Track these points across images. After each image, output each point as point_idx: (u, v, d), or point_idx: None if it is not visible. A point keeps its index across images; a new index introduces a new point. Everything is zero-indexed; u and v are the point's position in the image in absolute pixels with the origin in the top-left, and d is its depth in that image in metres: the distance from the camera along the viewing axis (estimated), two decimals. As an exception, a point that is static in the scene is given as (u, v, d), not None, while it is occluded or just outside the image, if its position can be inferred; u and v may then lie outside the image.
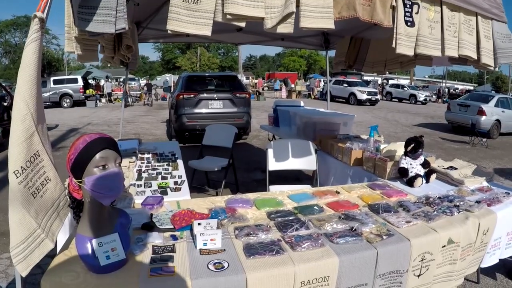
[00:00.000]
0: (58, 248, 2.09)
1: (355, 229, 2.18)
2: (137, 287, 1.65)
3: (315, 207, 2.59)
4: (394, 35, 2.62)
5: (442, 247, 2.27)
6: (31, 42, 1.71)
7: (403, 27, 2.62)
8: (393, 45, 2.65)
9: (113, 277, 1.72)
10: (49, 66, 53.41)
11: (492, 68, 3.16)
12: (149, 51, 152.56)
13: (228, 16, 2.14)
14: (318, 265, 1.87)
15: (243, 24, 2.20)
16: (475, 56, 2.99)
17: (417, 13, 2.66)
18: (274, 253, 1.88)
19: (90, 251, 1.73)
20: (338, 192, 2.98)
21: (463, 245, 2.38)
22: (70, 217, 2.52)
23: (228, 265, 1.79)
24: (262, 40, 6.65)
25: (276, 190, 3.30)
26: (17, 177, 1.74)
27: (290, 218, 2.36)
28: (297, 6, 2.24)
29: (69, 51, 2.59)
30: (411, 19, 2.64)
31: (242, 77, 32.30)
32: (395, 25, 2.59)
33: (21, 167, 1.75)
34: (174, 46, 69.19)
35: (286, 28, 2.26)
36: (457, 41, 2.89)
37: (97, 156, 1.70)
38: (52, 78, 26.26)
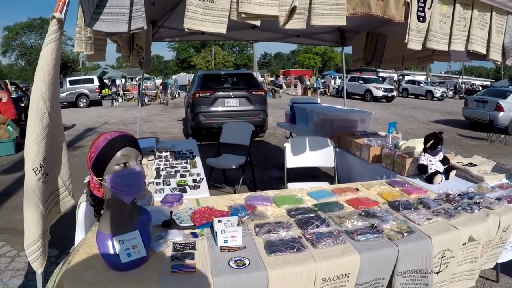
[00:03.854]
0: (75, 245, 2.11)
1: (375, 226, 2.16)
2: (158, 284, 1.66)
3: (335, 204, 2.58)
4: (407, 31, 2.61)
5: (463, 244, 2.24)
6: (50, 43, 1.73)
7: (415, 22, 2.60)
8: (405, 41, 2.63)
9: (134, 274, 1.73)
10: (65, 67, 54.11)
11: (499, 63, 3.12)
12: (164, 50, 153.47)
13: (243, 15, 2.15)
14: (339, 262, 1.86)
15: (258, 23, 2.21)
16: (484, 51, 2.94)
17: (429, 8, 2.62)
18: (295, 250, 1.88)
19: (111, 248, 1.75)
20: (357, 189, 2.97)
21: (483, 242, 2.35)
22: (86, 213, 2.56)
23: (249, 262, 1.79)
24: (277, 37, 6.64)
25: (295, 188, 3.29)
26: (36, 174, 1.77)
27: (310, 215, 2.35)
28: (309, 3, 2.26)
29: (79, 51, 2.62)
30: (423, 14, 2.61)
31: (257, 75, 32.31)
32: (408, 21, 2.57)
33: (40, 164, 1.78)
34: (189, 45, 69.35)
35: (298, 24, 2.27)
36: (466, 36, 2.84)
37: (118, 154, 1.70)
38: (68, 79, 26.59)
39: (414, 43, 2.65)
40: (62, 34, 1.84)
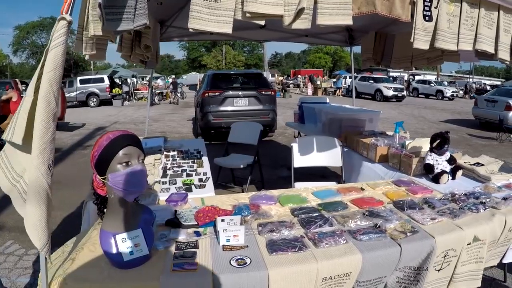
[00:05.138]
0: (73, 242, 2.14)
1: (379, 226, 2.15)
2: (158, 281, 1.67)
3: (339, 204, 2.58)
4: (413, 30, 2.60)
5: (467, 244, 2.22)
6: (60, 44, 1.75)
7: (421, 22, 2.58)
8: (411, 40, 2.62)
9: (136, 272, 1.75)
10: (75, 66, 54.56)
11: (508, 63, 3.08)
12: (174, 49, 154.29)
13: (248, 15, 2.16)
14: (341, 262, 1.86)
15: (262, 22, 2.22)
16: (492, 51, 2.91)
17: (436, 7, 2.61)
18: (296, 249, 1.88)
19: (113, 246, 1.76)
20: (362, 189, 2.96)
21: (488, 242, 2.32)
22: (91, 212, 2.58)
23: (251, 261, 1.80)
24: (286, 37, 6.63)
25: (301, 187, 3.29)
26: (50, 171, 1.80)
27: (314, 214, 2.35)
28: (315, 3, 2.25)
29: (78, 51, 2.63)
30: (429, 13, 2.59)
31: (267, 75, 32.27)
32: (414, 20, 2.56)
33: (52, 161, 1.81)
34: (200, 45, 69.58)
35: (303, 24, 2.26)
36: (474, 35, 2.82)
37: (120, 153, 1.72)
38: (78, 78, 26.80)
39: (420, 43, 2.64)
40: (69, 35, 1.86)
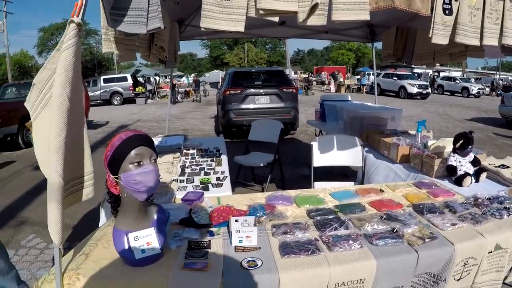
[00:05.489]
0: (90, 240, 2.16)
1: (396, 231, 2.08)
2: (168, 279, 1.68)
3: (357, 206, 2.51)
4: (431, 24, 2.52)
5: (489, 253, 2.11)
6: (70, 47, 1.77)
7: (440, 16, 2.51)
8: (429, 35, 2.55)
9: (147, 270, 1.75)
10: (99, 65, 55.51)
11: None
12: (197, 48, 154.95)
13: (261, 12, 2.12)
14: (355, 267, 1.80)
15: (276, 19, 2.18)
16: None
17: (456, 0, 2.52)
18: (309, 253, 1.84)
19: (126, 244, 1.78)
20: (382, 191, 2.88)
21: (510, 251, 2.21)
22: (107, 210, 2.60)
23: (262, 263, 1.77)
24: (306, 34, 6.57)
25: (320, 187, 3.24)
26: (60, 177, 1.81)
27: (330, 216, 2.29)
28: None
29: (108, 52, 2.65)
30: (449, 7, 2.51)
31: (289, 72, 32.13)
32: (433, 14, 2.48)
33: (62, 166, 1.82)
34: (222, 43, 69.90)
35: (318, 20, 2.22)
36: (499, 29, 2.71)
37: (132, 153, 1.74)
38: (102, 77, 27.37)
39: (439, 37, 2.56)
40: (82, 37, 1.87)
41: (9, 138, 11.05)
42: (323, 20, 2.23)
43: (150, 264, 1.80)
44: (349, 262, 1.81)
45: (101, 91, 25.78)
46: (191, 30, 5.66)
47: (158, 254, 1.81)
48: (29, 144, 10.71)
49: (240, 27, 2.14)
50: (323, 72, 40.76)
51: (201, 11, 2.09)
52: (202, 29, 2.13)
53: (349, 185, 3.37)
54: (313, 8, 2.15)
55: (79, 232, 4.75)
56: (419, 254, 1.92)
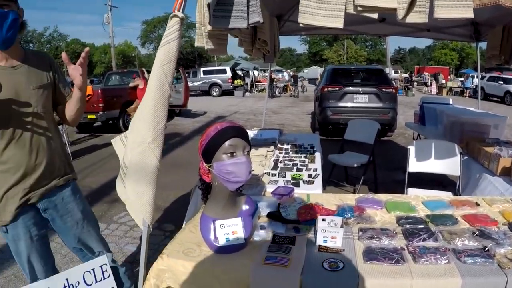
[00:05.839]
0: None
1: (487, 249, 1.90)
2: (248, 271, 1.70)
3: (449, 218, 2.33)
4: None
5: None
6: (174, 39, 1.88)
7: None
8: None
9: (228, 258, 1.80)
10: (199, 57, 57.79)
11: None
12: (296, 43, 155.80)
13: (359, 8, 2.06)
14: (438, 283, 1.67)
15: (375, 16, 2.10)
16: None
17: None
18: (393, 261, 1.75)
19: (211, 231, 1.84)
20: (477, 204, 2.63)
21: None
22: (198, 196, 2.72)
23: (343, 266, 1.73)
24: (406, 32, 6.31)
25: (413, 194, 3.09)
26: (156, 156, 1.95)
27: (419, 226, 2.16)
28: None
29: (199, 46, 2.75)
30: None
31: (389, 71, 31.00)
32: None
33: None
34: (321, 39, 69.31)
35: (419, 17, 2.10)
36: None
37: (226, 143, 1.79)
38: (202, 69, 28.52)
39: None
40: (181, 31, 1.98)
41: (110, 122, 12.05)
42: (424, 17, 2.12)
43: (233, 253, 1.84)
44: (433, 277, 1.69)
45: (201, 82, 26.86)
46: (290, 26, 5.68)
47: (242, 244, 1.86)
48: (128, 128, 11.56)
49: (339, 23, 2.10)
50: (425, 73, 38.60)
51: (299, 7, 2.09)
52: (300, 24, 2.12)
53: (444, 195, 3.17)
54: (411, 4, 2.05)
55: (169, 214, 5.02)
56: (508, 278, 1.71)
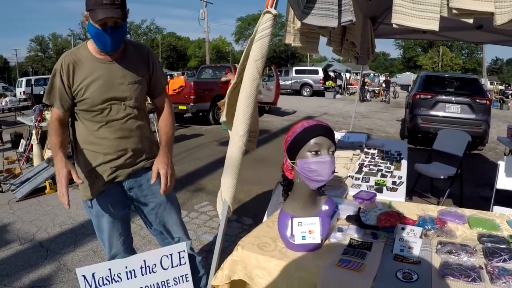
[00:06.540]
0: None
1: None
2: (320, 270, 1.70)
3: (534, 240, 2.18)
4: None
5: None
6: (266, 36, 1.93)
7: None
8: None
9: (303, 256, 1.83)
10: (292, 56, 57.84)
11: None
12: (390, 47, 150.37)
13: (454, 11, 1.94)
14: (510, 307, 1.56)
15: (470, 20, 1.97)
16: None
17: None
18: (469, 279, 1.66)
19: (288, 227, 1.88)
20: None
21: None
22: (277, 193, 2.77)
23: (418, 278, 1.67)
24: (505, 40, 5.82)
25: (499, 212, 2.91)
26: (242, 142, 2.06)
27: (501, 246, 2.02)
28: None
29: (287, 43, 2.76)
30: None
31: (485, 82, 29.10)
32: None
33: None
34: (416, 44, 66.60)
35: None
36: None
37: (312, 141, 1.79)
38: (294, 68, 28.56)
39: None
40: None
41: (201, 114, 12.48)
42: None
43: (307, 252, 1.86)
44: (507, 301, 1.59)
45: (292, 81, 26.93)
46: (384, 28, 5.56)
47: (317, 244, 1.87)
48: (218, 121, 11.85)
49: (434, 26, 2.00)
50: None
51: (392, 7, 2.04)
52: (394, 25, 2.06)
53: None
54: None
55: (249, 208, 5.13)
56: None
